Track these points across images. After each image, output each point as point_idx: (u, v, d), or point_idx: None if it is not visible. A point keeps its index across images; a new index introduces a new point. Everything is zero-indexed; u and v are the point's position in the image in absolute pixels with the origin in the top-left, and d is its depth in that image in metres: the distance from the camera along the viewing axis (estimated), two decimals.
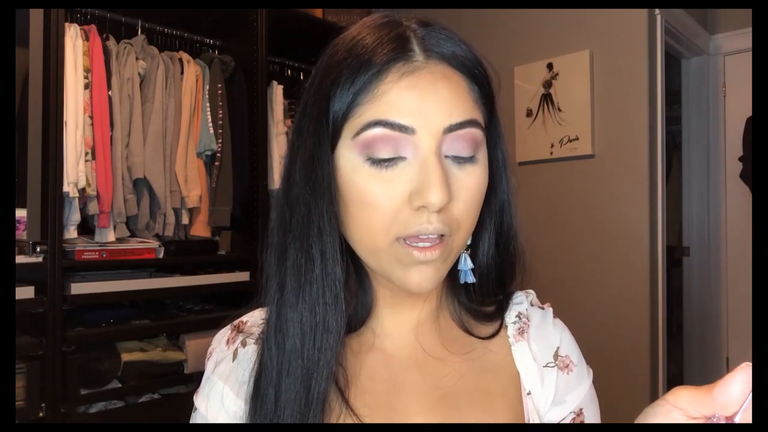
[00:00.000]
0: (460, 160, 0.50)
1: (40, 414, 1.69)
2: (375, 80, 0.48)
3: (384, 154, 0.48)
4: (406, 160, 0.48)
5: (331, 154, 0.51)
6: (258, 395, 0.52)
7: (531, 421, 0.56)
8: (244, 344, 0.57)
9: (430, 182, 0.46)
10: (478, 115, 0.51)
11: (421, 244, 0.48)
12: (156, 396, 2.01)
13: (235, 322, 0.61)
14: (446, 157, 0.49)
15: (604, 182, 2.41)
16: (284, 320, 0.51)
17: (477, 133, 0.50)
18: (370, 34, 0.51)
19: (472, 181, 0.50)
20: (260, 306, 0.59)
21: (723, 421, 0.33)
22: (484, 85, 0.53)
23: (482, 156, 0.52)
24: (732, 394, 0.32)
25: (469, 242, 0.56)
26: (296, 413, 0.49)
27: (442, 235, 0.49)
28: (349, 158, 0.50)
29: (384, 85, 0.48)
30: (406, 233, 0.48)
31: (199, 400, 0.58)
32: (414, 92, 0.48)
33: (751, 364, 0.33)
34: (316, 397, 0.49)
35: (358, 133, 0.48)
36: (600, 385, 0.62)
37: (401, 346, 0.57)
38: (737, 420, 0.33)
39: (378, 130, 0.48)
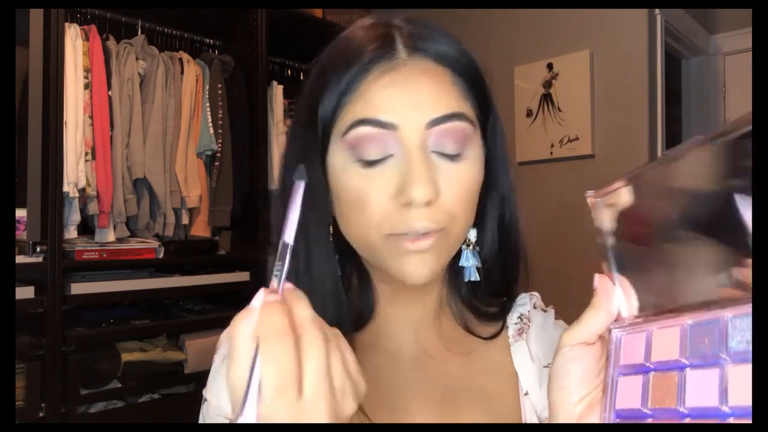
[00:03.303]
0: (448, 153, 0.49)
1: (40, 414, 1.69)
2: (358, 80, 0.49)
3: (371, 151, 0.49)
4: (393, 157, 0.49)
5: (322, 155, 0.52)
6: None
7: (528, 422, 0.56)
8: None
9: (414, 178, 0.47)
10: (465, 108, 0.50)
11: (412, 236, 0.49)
12: (156, 396, 2.01)
13: None
14: (433, 152, 0.49)
15: (604, 182, 2.39)
16: None
17: (464, 126, 0.50)
18: (357, 36, 0.52)
19: (462, 174, 0.50)
20: None
21: (616, 331, 0.39)
22: (471, 78, 0.52)
23: (473, 149, 0.51)
24: (607, 302, 0.39)
25: (474, 238, 0.56)
26: None
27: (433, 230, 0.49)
28: (339, 158, 0.50)
29: (366, 83, 0.49)
30: (395, 231, 0.48)
31: (210, 393, 0.57)
32: (393, 89, 0.48)
33: (597, 273, 0.41)
34: None
35: (345, 133, 0.49)
36: None
37: (403, 345, 0.58)
38: (625, 315, 0.39)
39: (363, 129, 0.48)
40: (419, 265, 0.49)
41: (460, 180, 0.50)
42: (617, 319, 0.40)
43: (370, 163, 0.49)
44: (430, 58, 0.50)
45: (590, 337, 0.40)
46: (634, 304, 0.39)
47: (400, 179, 0.48)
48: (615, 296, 0.40)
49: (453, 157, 0.50)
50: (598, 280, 0.40)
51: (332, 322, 0.50)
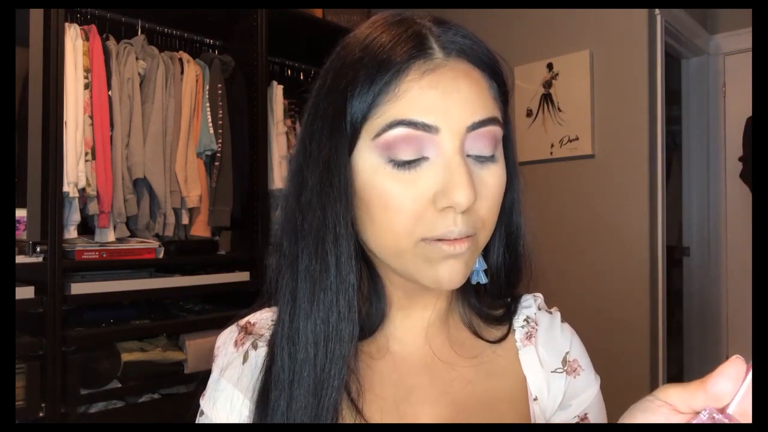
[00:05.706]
0: (481, 158, 0.49)
1: (40, 414, 1.69)
2: (395, 79, 0.47)
3: (407, 154, 0.47)
4: (429, 160, 0.47)
5: (348, 156, 0.49)
6: (267, 406, 0.50)
7: None
8: (255, 346, 0.56)
9: (457, 182, 0.46)
10: (497, 113, 0.50)
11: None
12: (156, 396, 2.01)
13: (242, 323, 0.59)
14: (468, 156, 0.48)
15: (604, 182, 2.40)
16: (296, 329, 0.50)
17: (497, 130, 0.50)
18: (385, 32, 0.49)
19: (493, 179, 0.50)
20: (266, 306, 0.58)
21: (714, 414, 0.33)
22: (501, 82, 0.52)
23: (501, 154, 0.51)
24: (725, 384, 0.32)
25: None
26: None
27: (468, 236, 0.48)
28: (368, 160, 0.48)
29: (405, 84, 0.47)
30: (432, 235, 0.47)
31: (206, 404, 0.57)
32: (436, 90, 0.47)
33: (740, 356, 0.33)
34: (326, 407, 0.48)
35: (379, 134, 0.47)
36: (600, 385, 0.62)
37: (411, 350, 0.57)
38: (731, 411, 0.32)
39: (400, 130, 0.46)
40: (455, 268, 0.48)
41: (492, 185, 0.49)
42: (722, 409, 0.33)
43: (402, 165, 0.47)
44: (467, 60, 0.50)
45: (681, 405, 0.34)
46: (747, 405, 0.32)
47: (439, 183, 0.47)
48: (736, 386, 0.32)
49: (485, 163, 0.49)
50: (734, 360, 0.32)
51: (346, 332, 0.49)
